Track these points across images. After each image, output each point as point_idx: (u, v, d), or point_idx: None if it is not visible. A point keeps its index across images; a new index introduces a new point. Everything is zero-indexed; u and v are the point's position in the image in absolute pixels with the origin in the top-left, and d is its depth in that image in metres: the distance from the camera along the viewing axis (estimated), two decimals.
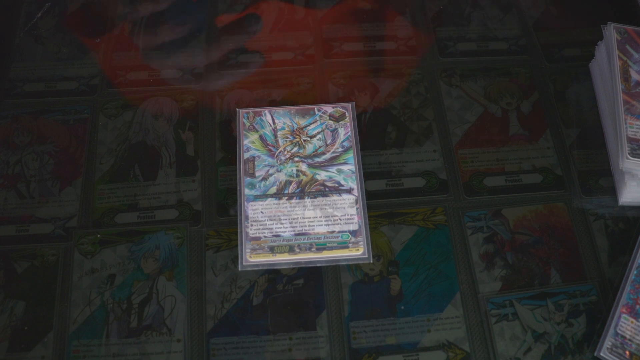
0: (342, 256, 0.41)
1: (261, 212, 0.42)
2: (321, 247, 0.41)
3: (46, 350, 0.38)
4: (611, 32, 0.47)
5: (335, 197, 0.43)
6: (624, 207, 0.44)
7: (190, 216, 0.43)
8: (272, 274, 0.41)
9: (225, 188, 0.44)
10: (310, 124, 0.46)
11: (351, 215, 0.42)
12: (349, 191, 0.43)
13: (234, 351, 0.39)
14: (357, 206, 0.43)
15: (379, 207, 0.43)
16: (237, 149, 0.45)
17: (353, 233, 0.42)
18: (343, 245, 0.41)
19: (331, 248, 0.41)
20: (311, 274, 0.41)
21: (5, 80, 0.48)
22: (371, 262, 0.41)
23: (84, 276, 0.41)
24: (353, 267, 0.41)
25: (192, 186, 0.44)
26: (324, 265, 0.41)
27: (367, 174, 0.44)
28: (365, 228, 0.42)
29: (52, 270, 0.41)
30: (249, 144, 0.45)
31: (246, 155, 0.45)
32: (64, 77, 0.49)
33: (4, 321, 0.39)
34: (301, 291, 0.40)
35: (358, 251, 0.41)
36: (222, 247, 0.42)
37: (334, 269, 0.41)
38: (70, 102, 0.48)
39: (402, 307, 0.40)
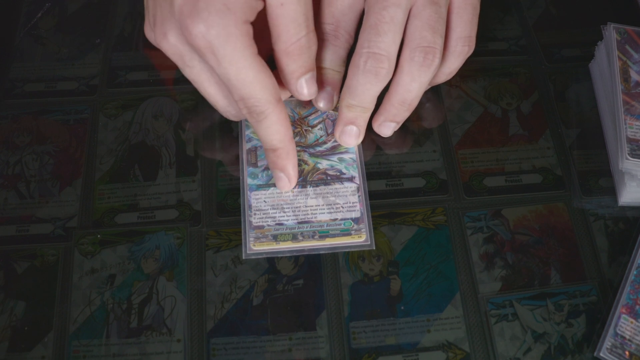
0: (344, 243, 0.41)
1: (264, 201, 0.42)
2: (324, 235, 0.41)
3: (46, 350, 0.38)
4: (611, 32, 0.47)
5: (337, 185, 0.43)
6: (624, 208, 0.44)
7: (190, 216, 0.43)
8: (272, 274, 0.41)
9: (226, 188, 0.44)
10: (310, 114, 0.46)
11: (353, 203, 0.42)
12: (351, 179, 0.43)
13: (234, 351, 0.39)
14: (359, 194, 0.43)
15: (378, 207, 0.43)
16: (239, 140, 0.45)
17: (355, 220, 0.42)
18: (346, 233, 0.41)
19: (334, 235, 0.41)
20: (311, 274, 0.41)
21: (5, 80, 0.48)
22: (374, 248, 0.41)
23: (84, 276, 0.41)
24: (353, 267, 0.41)
25: (192, 186, 0.44)
26: (327, 252, 0.41)
27: (367, 174, 0.44)
28: (368, 215, 0.42)
29: (52, 270, 0.41)
30: (251, 134, 0.45)
31: (248, 146, 0.45)
32: (64, 77, 0.49)
33: (4, 321, 0.39)
34: (301, 291, 0.40)
35: (360, 238, 0.41)
36: (222, 247, 0.42)
37: (334, 270, 0.41)
38: (70, 102, 0.48)
39: (402, 308, 0.40)
